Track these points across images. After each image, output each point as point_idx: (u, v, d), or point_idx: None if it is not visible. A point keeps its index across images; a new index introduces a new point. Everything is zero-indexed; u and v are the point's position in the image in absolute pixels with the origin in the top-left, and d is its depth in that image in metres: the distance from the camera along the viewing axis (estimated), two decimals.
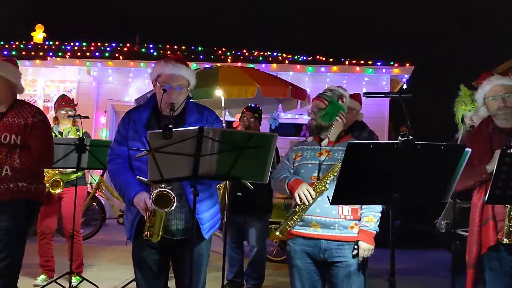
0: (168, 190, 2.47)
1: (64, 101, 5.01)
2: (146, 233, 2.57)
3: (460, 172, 2.09)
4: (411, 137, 2.00)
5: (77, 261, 4.81)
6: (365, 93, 2.73)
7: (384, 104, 9.30)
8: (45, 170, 4.68)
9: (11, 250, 3.17)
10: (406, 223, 7.09)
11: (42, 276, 4.75)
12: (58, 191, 4.69)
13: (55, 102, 5.11)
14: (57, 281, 4.51)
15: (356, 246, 2.72)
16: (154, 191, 2.46)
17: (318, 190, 2.72)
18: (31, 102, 10.01)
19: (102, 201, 7.72)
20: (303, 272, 2.82)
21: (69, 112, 4.89)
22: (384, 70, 9.34)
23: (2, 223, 3.15)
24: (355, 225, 2.77)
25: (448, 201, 3.26)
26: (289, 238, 2.88)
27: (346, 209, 2.76)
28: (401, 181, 2.09)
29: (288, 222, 2.73)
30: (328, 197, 2.64)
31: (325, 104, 2.89)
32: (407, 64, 9.38)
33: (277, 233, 2.73)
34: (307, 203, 2.70)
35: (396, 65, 9.39)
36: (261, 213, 4.62)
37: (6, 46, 11.87)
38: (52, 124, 5.00)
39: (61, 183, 4.69)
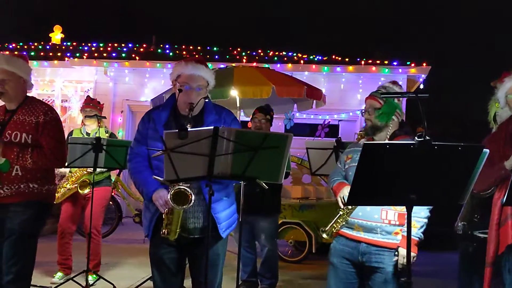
0: (186, 188, 2.50)
1: (85, 102, 5.12)
2: (163, 230, 2.60)
3: (477, 173, 2.06)
4: (428, 138, 1.97)
5: (95, 260, 4.88)
6: (381, 93, 2.72)
7: (401, 104, 9.20)
8: (73, 170, 4.79)
9: (23, 253, 3.09)
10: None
11: (59, 274, 4.82)
12: (86, 191, 4.75)
13: (82, 103, 5.19)
14: (74, 279, 4.57)
15: (396, 253, 2.60)
16: (173, 189, 2.49)
17: None
18: (49, 103, 10.22)
19: (119, 200, 7.80)
20: (340, 272, 2.76)
21: (90, 113, 4.95)
22: (400, 70, 9.24)
23: (13, 226, 3.06)
24: (400, 231, 2.64)
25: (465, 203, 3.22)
26: (335, 237, 2.85)
27: (391, 214, 2.64)
28: (417, 182, 2.07)
29: (334, 225, 2.67)
30: (343, 197, 2.65)
31: (380, 104, 2.76)
32: (424, 64, 9.27)
33: (324, 235, 2.67)
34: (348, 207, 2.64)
35: (412, 64, 9.29)
36: (269, 212, 4.64)
37: (25, 47, 12.05)
38: (75, 124, 5.10)
39: (89, 182, 4.75)
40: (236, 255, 4.48)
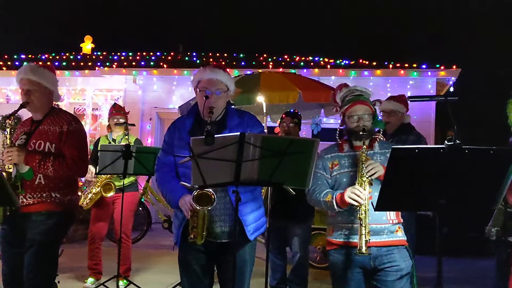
0: (209, 189, 2.53)
1: (115, 109, 5.21)
2: (190, 235, 2.63)
3: (510, 177, 2.01)
4: (458, 142, 1.94)
5: (125, 265, 4.96)
6: (409, 97, 2.69)
7: (430, 108, 9.05)
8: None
9: (44, 264, 3.05)
10: (455, 230, 6.86)
11: (91, 279, 4.91)
12: (110, 194, 4.86)
13: (109, 111, 5.30)
14: (105, 284, 4.65)
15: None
16: (195, 191, 2.53)
17: (361, 184, 2.58)
18: (81, 111, 10.44)
19: (148, 207, 7.90)
20: (352, 283, 2.72)
21: (120, 120, 5.08)
22: (429, 73, 9.08)
23: (34, 236, 3.03)
24: (399, 228, 2.75)
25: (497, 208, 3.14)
26: (332, 249, 2.79)
27: (392, 213, 2.73)
28: (447, 187, 2.03)
29: (365, 235, 2.53)
30: (372, 203, 2.60)
31: (372, 110, 2.82)
32: (454, 67, 9.09)
33: (363, 250, 2.52)
34: (362, 201, 2.54)
35: (442, 67, 9.12)
36: (302, 219, 4.56)
37: (57, 57, 12.40)
38: (106, 132, 5.23)
39: (113, 186, 4.85)
40: (265, 261, 4.47)
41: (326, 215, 6.27)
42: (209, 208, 2.55)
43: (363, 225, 2.54)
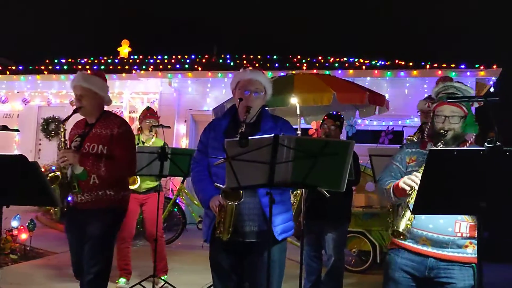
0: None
1: (149, 113, 5.32)
2: (217, 230, 2.68)
3: None
4: (499, 143, 1.87)
5: (162, 263, 5.05)
6: (448, 98, 2.59)
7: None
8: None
9: (103, 256, 3.32)
10: (497, 234, 6.63)
11: (123, 279, 5.00)
12: (135, 186, 4.91)
13: (141, 114, 5.40)
14: (141, 283, 4.72)
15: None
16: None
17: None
18: (118, 113, 10.71)
19: (183, 207, 8.00)
20: (401, 286, 2.60)
21: (153, 123, 5.19)
22: (468, 73, 8.82)
23: (93, 230, 3.29)
24: (470, 244, 2.48)
25: None
26: (391, 248, 2.70)
27: (464, 226, 2.47)
28: (488, 189, 1.97)
29: (407, 217, 2.42)
30: (409, 205, 2.52)
31: (465, 112, 2.60)
32: (494, 66, 8.80)
33: (401, 229, 2.43)
34: (416, 186, 2.37)
35: (482, 67, 8.84)
36: (338, 221, 4.50)
37: (96, 61, 12.75)
38: (135, 134, 5.32)
39: (136, 179, 4.92)
40: (299, 264, 4.45)
41: (360, 218, 6.23)
42: (237, 203, 2.58)
43: (407, 210, 2.41)
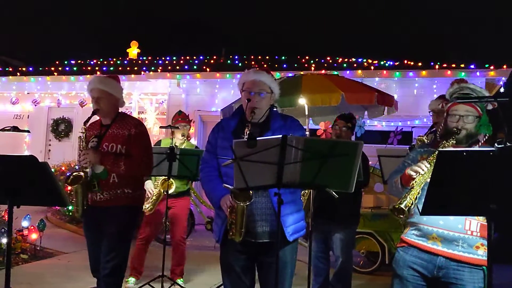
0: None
1: (180, 117, 5.35)
2: (229, 232, 2.67)
3: None
4: (509, 144, 1.86)
5: (181, 266, 5.13)
6: (457, 98, 2.58)
7: None
8: (154, 178, 5.03)
9: (119, 252, 3.43)
10: (508, 236, 6.57)
11: (132, 279, 5.02)
12: (171, 190, 4.86)
13: (172, 118, 5.44)
14: (150, 283, 4.74)
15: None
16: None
17: (431, 163, 2.42)
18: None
19: (192, 208, 8.02)
20: (409, 285, 2.57)
21: (185, 128, 5.21)
22: (478, 73, 8.76)
23: (112, 227, 3.40)
24: (481, 245, 2.45)
25: None
26: (400, 246, 2.68)
27: (474, 224, 2.44)
28: (498, 191, 1.95)
29: (408, 197, 2.39)
30: (418, 206, 2.50)
31: (479, 113, 2.59)
32: (504, 66, 8.73)
33: (402, 206, 2.37)
34: (422, 171, 2.40)
35: (491, 67, 8.78)
36: (346, 222, 4.48)
37: (105, 62, 12.83)
38: (169, 138, 5.38)
39: (172, 183, 4.89)
40: (307, 264, 4.45)
41: (368, 219, 6.19)
42: (247, 203, 2.57)
43: (414, 189, 2.38)
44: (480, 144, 2.62)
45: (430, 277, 2.53)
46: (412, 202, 2.39)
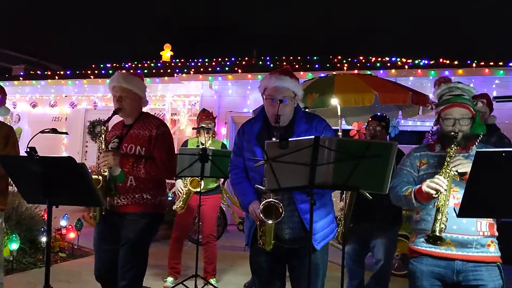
0: (276, 201, 2.54)
1: (204, 115, 5.35)
2: (259, 241, 2.69)
3: None
4: None
5: (213, 264, 5.16)
6: (495, 97, 2.53)
7: None
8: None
9: (136, 260, 3.24)
10: None
11: (170, 278, 5.10)
12: (198, 189, 4.90)
13: (197, 116, 5.46)
14: (183, 283, 4.79)
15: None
16: (263, 202, 2.55)
17: (446, 176, 2.39)
18: (161, 116, 10.93)
19: (224, 208, 8.07)
20: None
21: (209, 125, 5.21)
22: None
23: (128, 234, 3.22)
24: (492, 243, 2.50)
25: None
26: (412, 256, 2.65)
27: (484, 224, 2.47)
28: None
29: (441, 221, 2.35)
30: (454, 209, 2.44)
31: (472, 114, 2.59)
32: None
33: (437, 233, 2.34)
34: (442, 189, 2.37)
35: None
36: (388, 225, 4.32)
37: (139, 65, 13.08)
38: (194, 136, 5.44)
39: (200, 183, 4.91)
40: (340, 266, 4.39)
41: (405, 221, 6.04)
42: (275, 222, 2.56)
43: (441, 211, 2.34)
44: (477, 143, 2.61)
45: (450, 284, 2.51)
46: (445, 225, 2.36)
